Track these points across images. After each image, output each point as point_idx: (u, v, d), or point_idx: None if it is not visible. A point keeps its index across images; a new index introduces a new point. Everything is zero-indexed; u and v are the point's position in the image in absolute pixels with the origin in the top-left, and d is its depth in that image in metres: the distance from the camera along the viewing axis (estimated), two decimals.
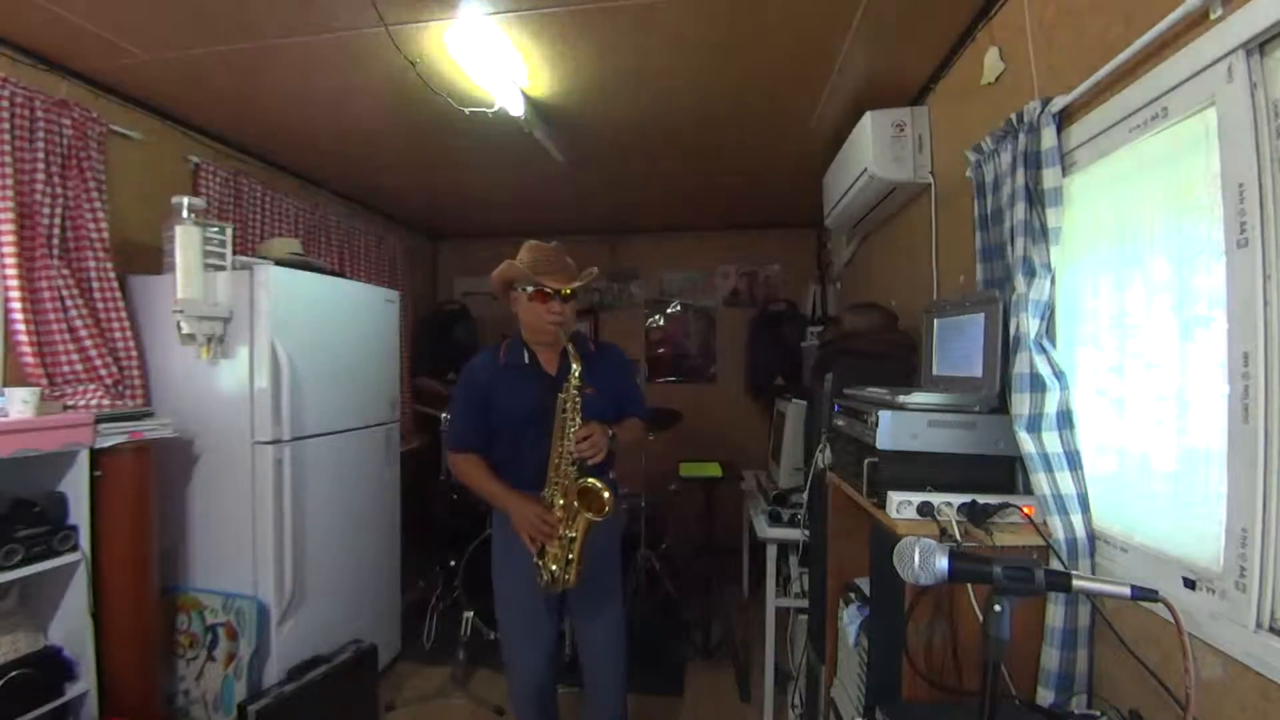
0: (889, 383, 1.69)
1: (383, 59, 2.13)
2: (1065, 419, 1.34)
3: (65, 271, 2.16)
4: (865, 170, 2.37)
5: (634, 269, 5.04)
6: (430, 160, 3.27)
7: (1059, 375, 1.34)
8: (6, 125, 1.98)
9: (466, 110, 2.37)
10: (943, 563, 0.97)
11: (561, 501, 1.80)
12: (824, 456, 1.92)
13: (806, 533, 2.27)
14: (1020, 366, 1.36)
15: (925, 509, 1.35)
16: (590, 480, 1.79)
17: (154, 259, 2.48)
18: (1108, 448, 1.36)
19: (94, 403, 2.15)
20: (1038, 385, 1.33)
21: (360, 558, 2.85)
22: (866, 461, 1.50)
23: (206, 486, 2.42)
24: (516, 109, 2.40)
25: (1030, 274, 1.38)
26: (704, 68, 2.28)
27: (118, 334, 2.30)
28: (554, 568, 1.80)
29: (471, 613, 3.04)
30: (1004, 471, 1.46)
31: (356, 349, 2.86)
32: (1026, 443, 1.33)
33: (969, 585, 1.25)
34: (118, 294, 2.30)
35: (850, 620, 1.70)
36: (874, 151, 2.33)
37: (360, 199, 4.07)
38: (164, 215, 2.35)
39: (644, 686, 2.81)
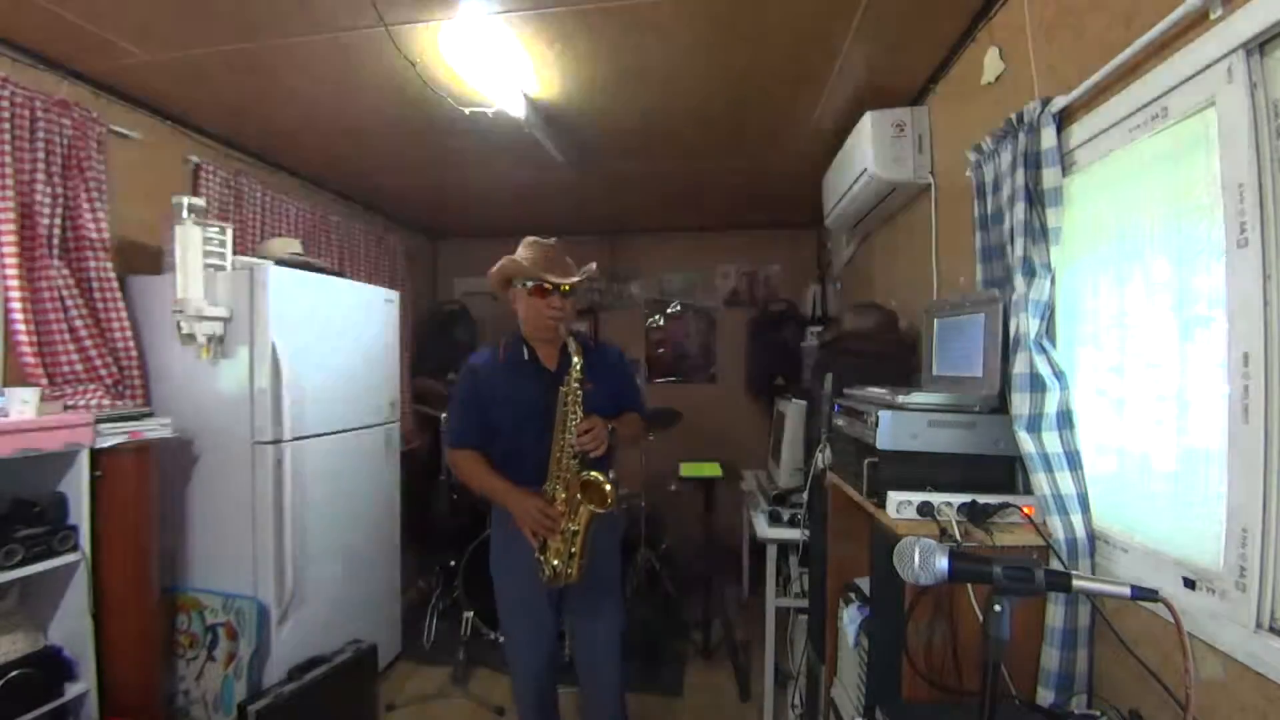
0: (889, 383, 1.69)
1: (383, 59, 2.13)
2: (1065, 419, 1.34)
3: (65, 271, 2.16)
4: (865, 170, 2.37)
5: (634, 269, 5.04)
6: (430, 160, 3.27)
7: (1059, 375, 1.34)
8: (6, 125, 1.98)
9: (466, 110, 2.37)
10: (943, 563, 0.97)
11: (563, 495, 1.80)
12: (824, 456, 1.92)
13: (806, 533, 2.27)
14: (1020, 366, 1.36)
15: (925, 509, 1.35)
16: (592, 473, 1.79)
17: (154, 259, 2.48)
18: (1108, 448, 1.36)
19: (94, 403, 2.15)
20: (1038, 385, 1.33)
21: (360, 558, 2.85)
22: (866, 461, 1.50)
23: (206, 486, 2.42)
24: (516, 109, 2.41)
25: (1030, 274, 1.38)
26: (704, 67, 2.28)
27: (118, 334, 2.30)
28: (556, 563, 1.80)
29: (471, 613, 3.04)
30: (1004, 471, 1.46)
31: (356, 349, 2.86)
32: (1026, 443, 1.33)
33: (969, 585, 1.25)
34: (118, 294, 2.30)
35: (850, 620, 1.70)
36: (874, 151, 2.33)
37: (360, 199, 4.07)
38: (164, 215, 2.35)
39: (644, 686, 2.81)
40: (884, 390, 1.58)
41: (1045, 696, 1.29)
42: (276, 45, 2.09)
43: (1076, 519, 1.30)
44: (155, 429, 2.16)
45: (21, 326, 2.02)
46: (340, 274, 2.98)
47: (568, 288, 1.90)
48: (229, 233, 2.38)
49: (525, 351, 1.97)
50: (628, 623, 2.08)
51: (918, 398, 1.48)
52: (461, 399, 1.97)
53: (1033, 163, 1.40)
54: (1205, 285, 1.08)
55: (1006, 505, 1.35)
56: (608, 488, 1.77)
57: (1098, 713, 1.21)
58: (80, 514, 1.96)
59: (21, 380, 2.02)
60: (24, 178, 2.05)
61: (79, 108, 2.20)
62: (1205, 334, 1.08)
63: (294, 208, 3.32)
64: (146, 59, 2.17)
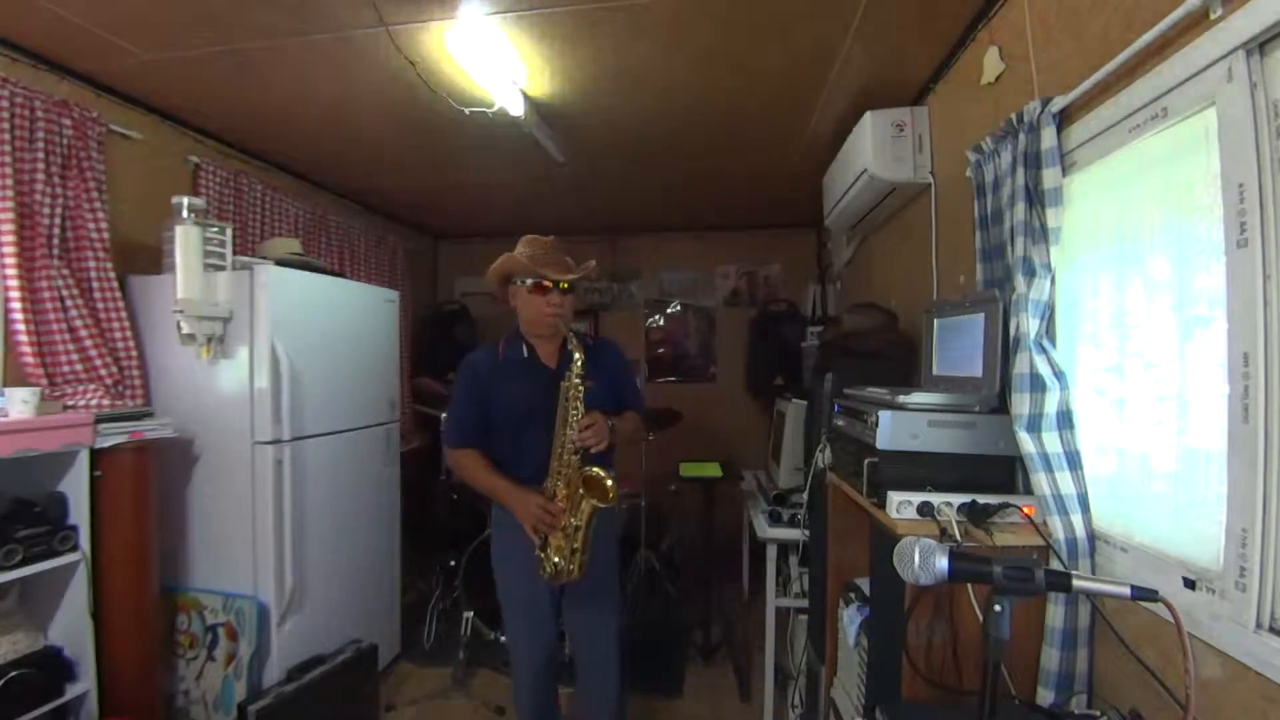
0: (889, 383, 1.69)
1: (383, 59, 2.13)
2: (1065, 419, 1.34)
3: (65, 271, 2.16)
4: (865, 170, 2.37)
5: (634, 269, 5.04)
6: (430, 160, 3.27)
7: (1059, 375, 1.34)
8: (6, 125, 1.98)
9: (466, 110, 2.37)
10: (943, 563, 0.97)
11: (564, 491, 1.81)
12: (824, 456, 1.92)
13: (806, 533, 2.27)
14: (1020, 366, 1.36)
15: (925, 509, 1.35)
16: (594, 469, 1.79)
17: (154, 259, 2.48)
18: (1108, 448, 1.36)
19: (94, 403, 2.15)
20: (1038, 385, 1.33)
21: (360, 558, 2.85)
22: (866, 461, 1.50)
23: (206, 486, 2.42)
24: (516, 109, 2.40)
25: (1030, 274, 1.38)
26: (704, 67, 2.28)
27: (118, 334, 2.30)
28: (557, 560, 1.80)
29: (471, 613, 3.04)
30: (1004, 471, 1.46)
31: (356, 349, 2.86)
32: (1026, 443, 1.33)
33: (969, 585, 1.25)
34: (118, 294, 2.30)
35: (850, 620, 1.70)
36: (874, 151, 2.33)
37: (360, 199, 4.07)
38: (164, 215, 2.35)
39: (644, 686, 2.81)
40: (884, 390, 1.57)
41: (1045, 696, 1.29)
42: (277, 45, 2.09)
43: (1076, 519, 1.30)
44: (155, 429, 2.16)
45: (21, 326, 2.02)
46: (340, 274, 2.98)
47: (566, 285, 1.90)
48: (229, 233, 2.38)
49: (525, 349, 1.98)
50: (628, 623, 2.08)
51: (918, 398, 1.48)
52: (461, 398, 1.97)
53: (1033, 163, 1.40)
54: (1205, 285, 1.08)
55: (1006, 505, 1.35)
56: (609, 482, 1.77)
57: (1098, 713, 1.21)
58: (80, 514, 1.96)
59: (21, 380, 2.02)
60: (24, 178, 2.05)
61: (79, 108, 2.20)
62: (1205, 334, 1.08)
63: (294, 208, 3.33)
64: (146, 59, 2.17)
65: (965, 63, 2.01)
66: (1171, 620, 0.91)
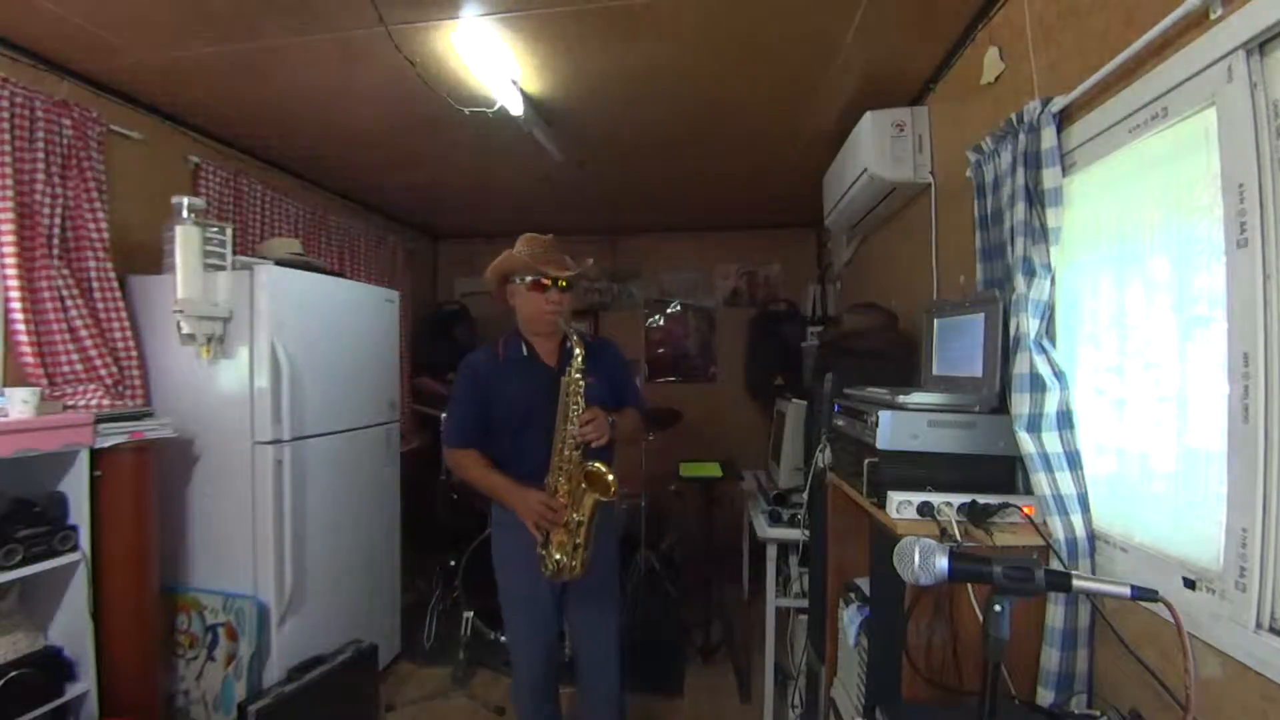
0: (889, 383, 1.69)
1: (383, 59, 2.13)
2: (1065, 419, 1.34)
3: (65, 271, 2.16)
4: (865, 170, 2.37)
5: (634, 269, 5.04)
6: (431, 160, 3.27)
7: (1059, 375, 1.34)
8: (6, 126, 1.98)
9: (466, 110, 2.37)
10: (943, 563, 0.97)
11: (566, 487, 1.81)
12: (824, 456, 1.92)
13: (806, 533, 2.27)
14: (1020, 366, 1.36)
15: (925, 509, 1.35)
16: (595, 464, 1.80)
17: (154, 259, 2.48)
18: (1108, 448, 1.36)
19: (94, 403, 2.15)
20: (1038, 385, 1.33)
21: (360, 558, 2.85)
22: (866, 461, 1.50)
23: (206, 486, 2.42)
24: (516, 108, 2.41)
25: (1030, 274, 1.38)
26: (704, 67, 2.28)
27: (118, 334, 2.30)
28: (559, 556, 1.80)
29: (471, 613, 3.03)
30: (1004, 471, 1.46)
31: (356, 349, 2.86)
32: (1026, 443, 1.33)
33: (969, 585, 1.25)
34: (118, 294, 2.30)
35: (850, 620, 1.70)
36: (874, 151, 2.33)
37: (360, 199, 4.07)
38: (164, 215, 2.35)
39: (644, 686, 2.81)
40: (884, 390, 1.57)
41: (1045, 696, 1.29)
42: (276, 45, 2.09)
43: (1076, 519, 1.30)
44: (155, 429, 2.16)
45: (21, 326, 2.02)
46: (340, 274, 2.98)
47: (565, 283, 1.91)
48: (229, 232, 2.38)
49: (524, 349, 1.98)
50: (627, 623, 2.08)
51: (918, 398, 1.48)
52: (461, 398, 1.97)
53: (1033, 163, 1.40)
54: (1205, 285, 1.08)
55: (1006, 505, 1.35)
56: (610, 477, 1.78)
57: (1098, 713, 1.21)
58: (80, 514, 1.96)
59: (21, 380, 2.02)
60: (24, 178, 2.05)
61: (79, 108, 2.20)
62: (1205, 334, 1.08)
63: (294, 208, 3.33)
64: (147, 59, 2.17)
65: (965, 63, 2.01)
66: (1171, 620, 0.91)
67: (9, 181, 1.99)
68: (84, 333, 2.18)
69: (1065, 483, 1.31)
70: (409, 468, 3.45)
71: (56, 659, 1.92)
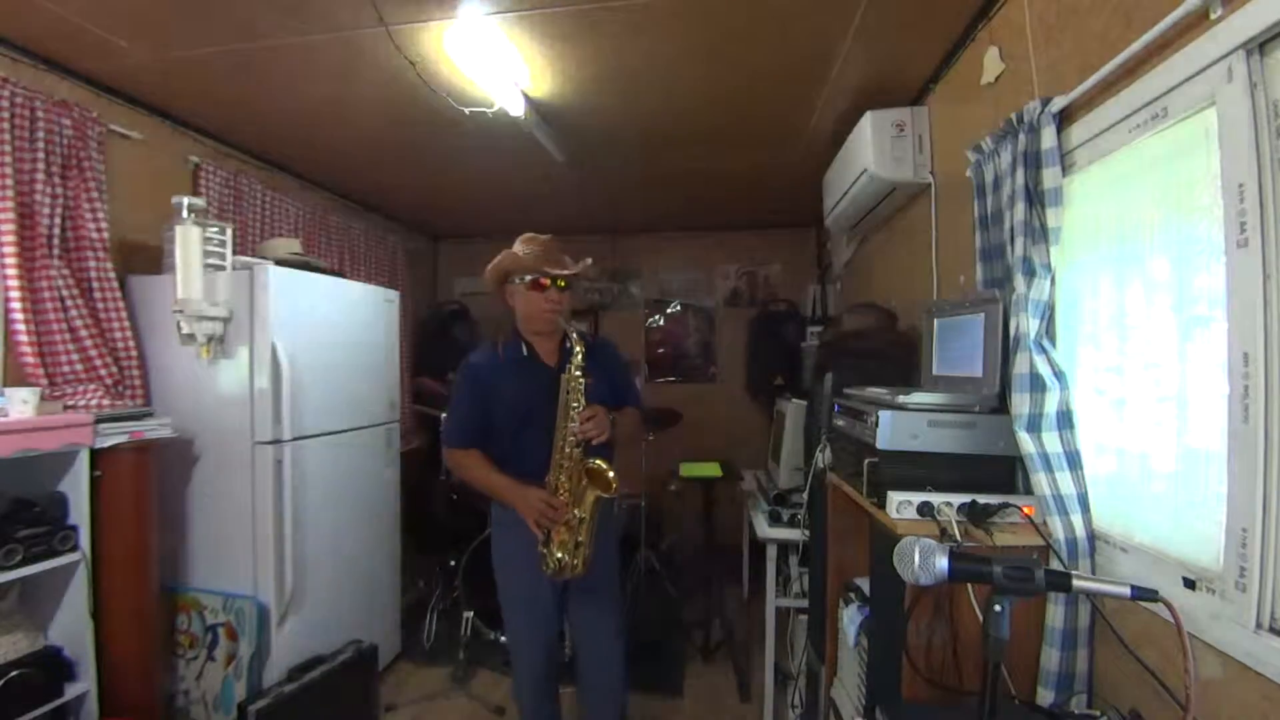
0: (889, 383, 1.69)
1: (382, 59, 2.13)
2: (1065, 419, 1.34)
3: (65, 271, 2.16)
4: (865, 170, 2.37)
5: (634, 269, 5.04)
6: (430, 160, 3.27)
7: (1059, 375, 1.34)
8: (6, 126, 1.98)
9: (467, 110, 2.37)
10: (943, 563, 0.97)
11: (567, 484, 1.81)
12: (824, 456, 1.92)
13: (806, 533, 2.27)
14: (1020, 366, 1.36)
15: (925, 509, 1.35)
16: (596, 460, 1.80)
17: (154, 259, 2.48)
18: (1108, 448, 1.36)
19: (94, 403, 2.15)
20: (1038, 385, 1.33)
21: (360, 558, 2.85)
22: (866, 461, 1.50)
23: (206, 486, 2.42)
24: (516, 109, 2.41)
25: (1030, 274, 1.38)
26: (704, 67, 2.28)
27: (118, 334, 2.30)
28: (560, 555, 1.80)
29: (471, 613, 3.04)
30: (1004, 471, 1.46)
31: (356, 349, 2.86)
32: (1026, 443, 1.33)
33: (969, 585, 1.25)
34: (118, 294, 2.30)
35: (850, 620, 1.70)
36: (874, 151, 2.33)
37: (360, 199, 4.07)
38: (164, 215, 2.35)
39: (644, 686, 2.81)
40: (884, 390, 1.57)
41: (1045, 696, 1.29)
42: (276, 45, 2.09)
43: (1076, 519, 1.30)
44: (155, 429, 2.16)
45: (21, 326, 2.02)
46: (340, 274, 2.98)
47: (564, 282, 1.92)
48: (229, 232, 2.38)
49: (524, 349, 1.98)
50: (627, 623, 2.08)
51: (918, 398, 1.48)
52: (462, 399, 1.97)
53: (1033, 163, 1.40)
54: (1205, 285, 1.08)
55: (1006, 505, 1.35)
56: (610, 474, 1.79)
57: (1098, 713, 1.21)
58: (80, 514, 1.96)
59: (21, 380, 2.02)
60: (24, 178, 2.05)
61: (79, 108, 2.20)
62: (1205, 334, 1.08)
63: (294, 208, 3.33)
64: (147, 59, 2.17)
65: (965, 63, 2.01)
66: (1171, 620, 0.91)
67: (9, 181, 1.99)
68: (84, 333, 2.18)
69: (1065, 483, 1.31)
70: (409, 468, 3.45)
71: (56, 659, 1.92)
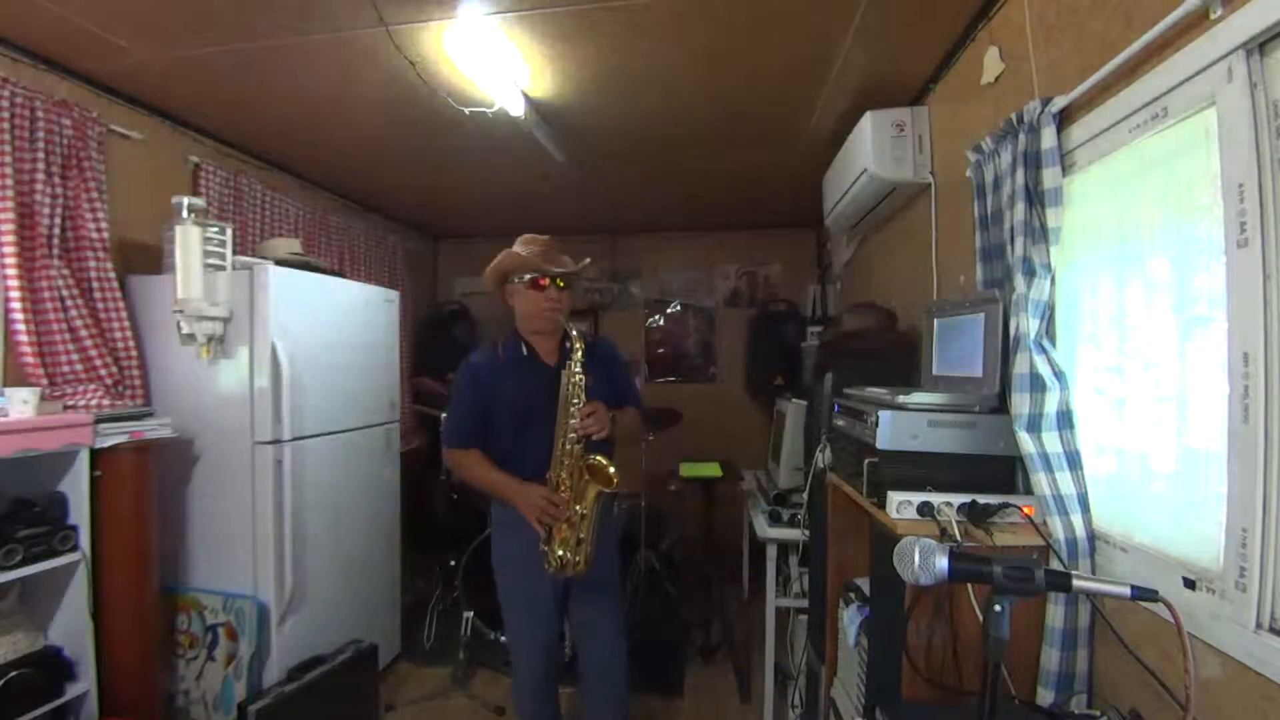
0: (889, 383, 1.69)
1: (383, 59, 2.13)
2: (1065, 419, 1.34)
3: (65, 271, 2.16)
4: (865, 170, 2.37)
5: (634, 269, 5.04)
6: (430, 160, 3.27)
7: (1059, 375, 1.34)
8: (6, 126, 1.98)
9: (467, 110, 2.37)
10: (943, 563, 0.97)
11: (568, 481, 1.81)
12: (824, 456, 1.92)
13: (806, 533, 2.27)
14: (1020, 366, 1.36)
15: (925, 509, 1.35)
16: (596, 457, 1.80)
17: (154, 259, 2.48)
18: (1108, 448, 1.36)
19: (94, 403, 2.15)
20: (1038, 385, 1.33)
21: (360, 558, 2.85)
22: (866, 461, 1.50)
23: (206, 486, 2.42)
24: (516, 109, 2.41)
25: (1030, 274, 1.38)
26: (704, 67, 2.28)
27: (118, 334, 2.30)
28: (562, 552, 1.80)
29: (471, 613, 3.03)
30: (1004, 471, 1.46)
31: (356, 349, 2.86)
32: (1026, 443, 1.33)
33: (969, 585, 1.25)
34: (118, 294, 2.30)
35: (850, 620, 1.70)
36: (874, 151, 2.33)
37: (360, 199, 4.07)
38: (164, 215, 2.35)
39: (644, 686, 2.81)
40: (884, 390, 1.57)
41: (1045, 696, 1.29)
42: (276, 45, 2.09)
43: (1076, 519, 1.30)
44: (155, 429, 2.16)
45: (21, 326, 2.02)
46: (340, 274, 2.98)
47: (563, 282, 1.92)
48: (229, 232, 2.38)
49: (524, 348, 1.98)
50: (628, 623, 2.08)
51: (918, 398, 1.48)
52: (462, 399, 1.97)
53: (1033, 163, 1.40)
54: (1205, 285, 1.08)
55: (1006, 505, 1.35)
56: (611, 470, 1.79)
57: (1098, 713, 1.21)
58: (80, 514, 1.96)
59: (21, 380, 2.02)
60: (24, 178, 2.05)
61: (79, 108, 2.20)
62: (1205, 334, 1.08)
63: (294, 208, 3.33)
64: (147, 59, 2.17)
65: (965, 63, 2.01)
66: (1171, 620, 0.91)
67: (9, 181, 1.99)
68: (84, 333, 2.18)
69: (1065, 483, 1.31)
70: (409, 468, 3.45)
71: (56, 659, 1.92)
